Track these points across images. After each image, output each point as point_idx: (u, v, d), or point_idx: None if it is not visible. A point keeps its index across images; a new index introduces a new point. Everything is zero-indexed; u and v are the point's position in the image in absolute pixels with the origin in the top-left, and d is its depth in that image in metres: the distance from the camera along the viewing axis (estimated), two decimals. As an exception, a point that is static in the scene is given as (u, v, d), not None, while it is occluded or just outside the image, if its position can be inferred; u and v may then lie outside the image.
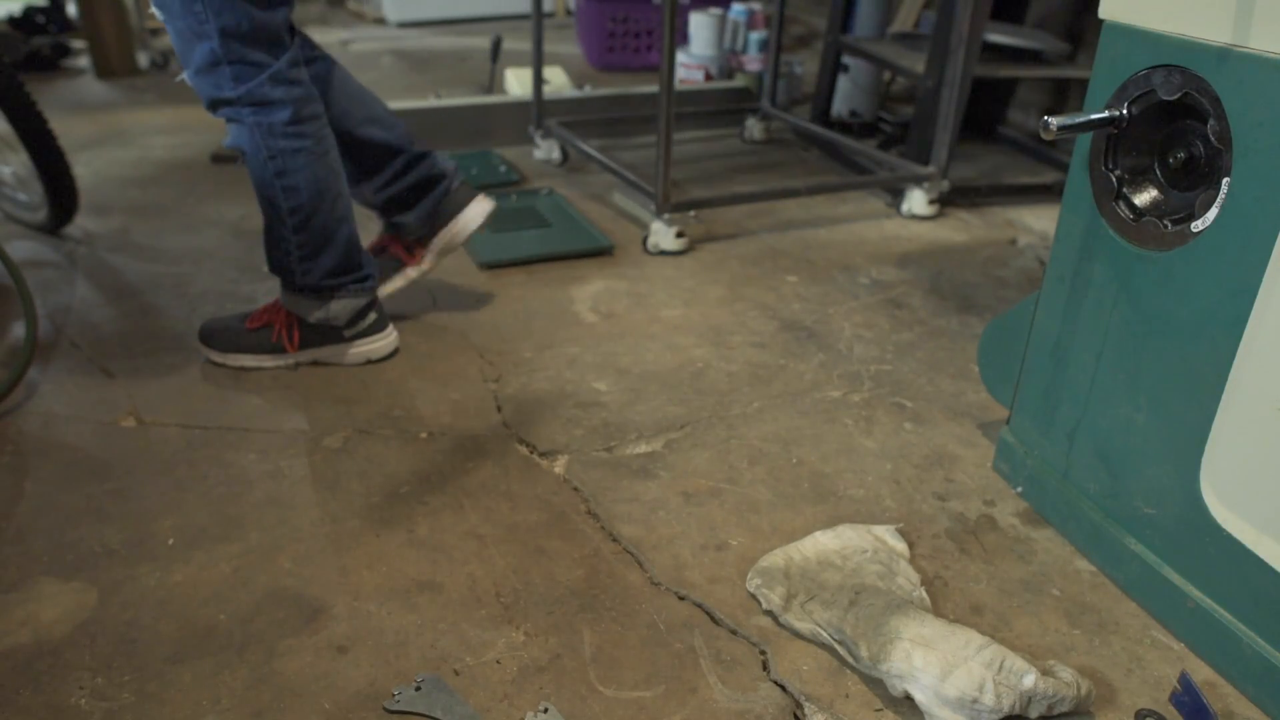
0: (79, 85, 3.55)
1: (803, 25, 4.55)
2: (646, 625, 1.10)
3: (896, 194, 2.47)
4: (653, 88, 3.07)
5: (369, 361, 1.65)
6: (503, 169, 2.62)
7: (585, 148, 2.48)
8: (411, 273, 1.77)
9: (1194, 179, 1.05)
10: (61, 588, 1.12)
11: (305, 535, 1.22)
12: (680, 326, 1.80)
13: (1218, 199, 0.99)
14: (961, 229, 2.36)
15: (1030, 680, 0.95)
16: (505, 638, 1.07)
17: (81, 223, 2.20)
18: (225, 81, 1.39)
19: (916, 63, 2.53)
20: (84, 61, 3.82)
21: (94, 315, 1.79)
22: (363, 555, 1.19)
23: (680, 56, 3.45)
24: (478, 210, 1.76)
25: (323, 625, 1.08)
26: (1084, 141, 1.16)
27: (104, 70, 3.64)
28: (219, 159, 2.68)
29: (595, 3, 3.79)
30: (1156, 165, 1.10)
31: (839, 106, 3.08)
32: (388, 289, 1.75)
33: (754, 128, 2.99)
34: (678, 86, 3.23)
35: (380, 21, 4.98)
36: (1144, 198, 1.11)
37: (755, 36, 3.42)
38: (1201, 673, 1.06)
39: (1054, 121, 1.05)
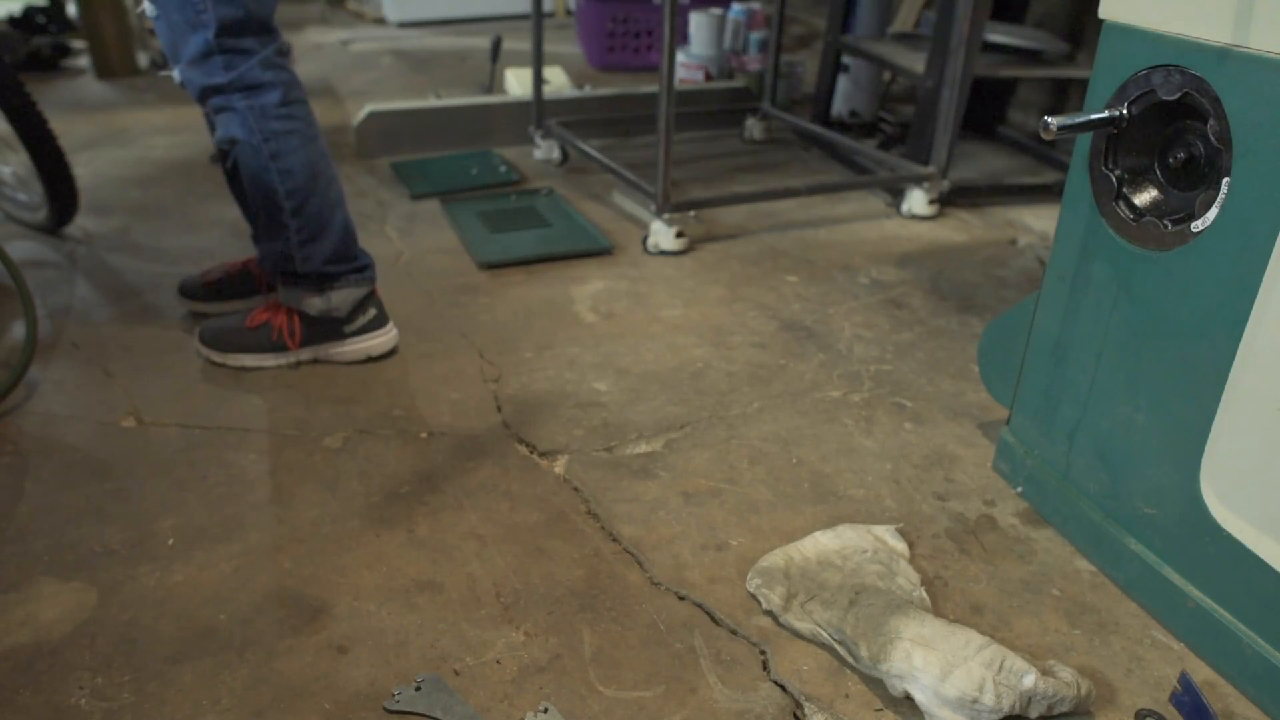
0: (79, 85, 3.55)
1: (803, 25, 4.55)
2: (646, 625, 1.10)
3: (896, 194, 2.47)
4: (653, 88, 3.07)
5: (369, 359, 1.65)
6: (503, 169, 2.62)
7: (585, 148, 2.48)
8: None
9: (1194, 179, 1.05)
10: (61, 588, 1.12)
11: (305, 535, 1.22)
12: (680, 326, 1.80)
13: (1218, 199, 0.99)
14: (961, 229, 2.36)
15: (1030, 680, 0.95)
16: (505, 638, 1.07)
17: (81, 223, 2.20)
18: (216, 70, 1.41)
19: (916, 63, 2.53)
20: (84, 61, 3.82)
21: (94, 315, 1.79)
22: (363, 555, 1.19)
23: (680, 56, 3.45)
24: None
25: (323, 625, 1.08)
26: (1084, 141, 1.16)
27: (104, 70, 3.64)
28: (219, 159, 2.68)
29: (595, 3, 3.79)
30: (1156, 165, 1.10)
31: (839, 106, 3.08)
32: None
33: (754, 128, 2.99)
34: (678, 86, 3.23)
35: (380, 21, 4.98)
36: (1144, 198, 1.11)
37: (755, 36, 3.41)
38: (1201, 673, 1.06)
39: (1054, 121, 1.05)
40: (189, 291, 1.78)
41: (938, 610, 1.13)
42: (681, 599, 1.14)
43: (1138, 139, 1.10)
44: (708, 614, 1.12)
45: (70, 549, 1.18)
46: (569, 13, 5.12)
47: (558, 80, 3.14)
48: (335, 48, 4.32)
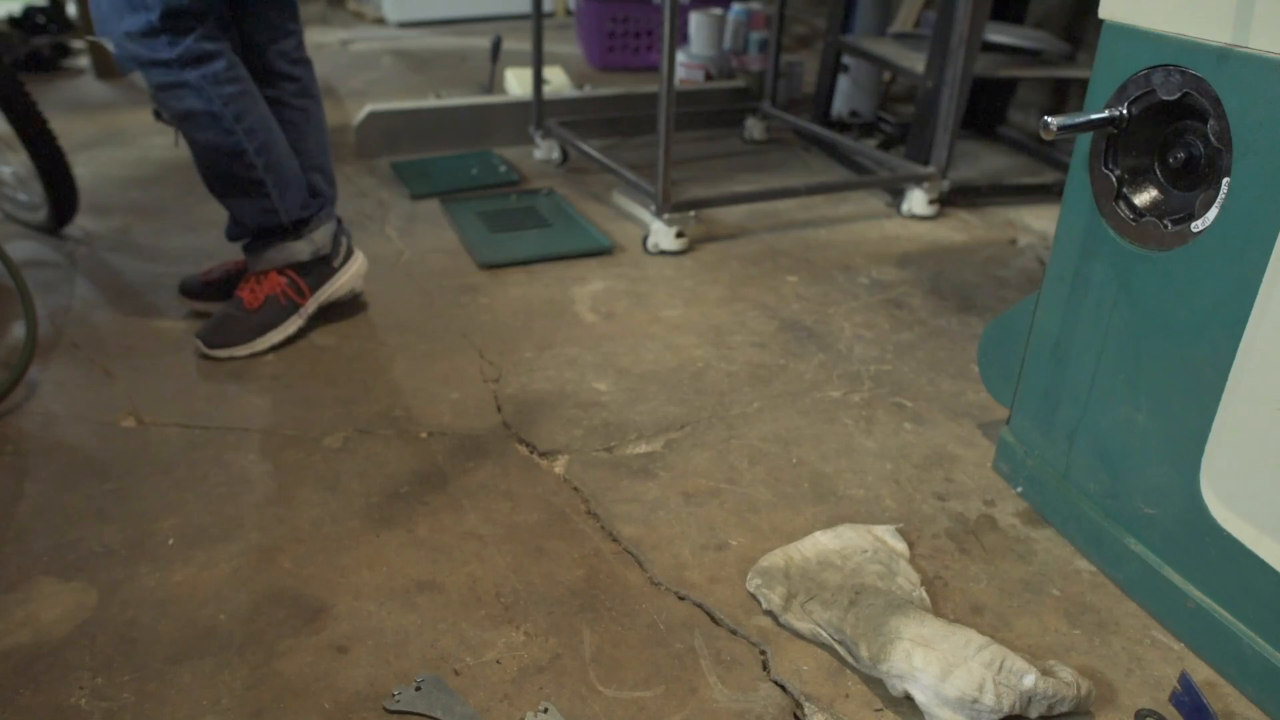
0: (79, 85, 3.55)
1: (803, 25, 4.55)
2: (646, 625, 1.10)
3: (896, 194, 2.47)
4: (653, 88, 3.07)
5: (354, 294, 1.76)
6: (503, 169, 2.62)
7: (585, 148, 2.48)
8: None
9: (1194, 179, 1.05)
10: (61, 588, 1.12)
11: (305, 535, 1.22)
12: (680, 326, 1.80)
13: (1218, 199, 0.99)
14: (961, 229, 2.36)
15: (1030, 680, 0.95)
16: (505, 638, 1.07)
17: (81, 223, 2.20)
18: (161, 46, 1.43)
19: (916, 63, 2.53)
20: (84, 61, 3.82)
21: (94, 315, 1.79)
22: (363, 555, 1.19)
23: (680, 56, 3.45)
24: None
25: (323, 625, 1.08)
26: (1084, 141, 1.16)
27: (104, 70, 3.64)
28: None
29: (595, 3, 3.79)
30: (1156, 165, 1.10)
31: (839, 106, 3.08)
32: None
33: (754, 128, 2.99)
34: (678, 86, 3.23)
35: (380, 21, 4.98)
36: (1144, 198, 1.11)
37: (755, 36, 3.42)
38: (1201, 673, 1.06)
39: (1054, 121, 1.05)
40: (190, 290, 1.79)
41: (938, 610, 1.13)
42: (681, 599, 1.14)
43: (1138, 139, 1.10)
44: (708, 614, 1.12)
45: (70, 549, 1.18)
46: (569, 13, 5.12)
47: (558, 80, 3.14)
48: (335, 48, 4.32)
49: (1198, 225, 1.02)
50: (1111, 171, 1.12)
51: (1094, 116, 1.09)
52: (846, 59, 3.00)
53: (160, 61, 1.43)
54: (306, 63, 1.68)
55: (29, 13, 4.03)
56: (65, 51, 3.86)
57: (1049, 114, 1.08)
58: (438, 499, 1.30)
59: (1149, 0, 1.04)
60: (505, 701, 0.99)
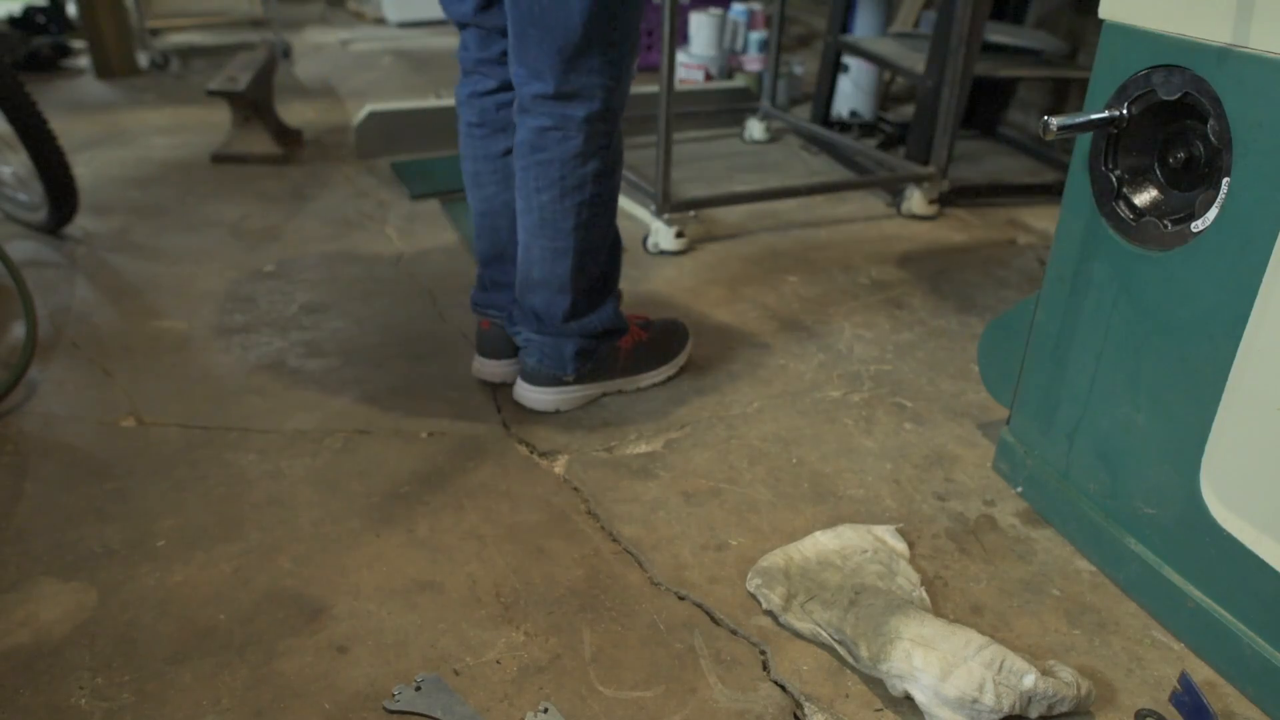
0: (79, 85, 3.55)
1: (803, 25, 4.55)
2: (646, 625, 1.10)
3: (896, 194, 2.47)
4: (653, 88, 3.07)
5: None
6: (503, 169, 2.62)
7: (585, 148, 2.47)
8: None
9: (1194, 179, 1.05)
10: (61, 588, 1.12)
11: (305, 535, 1.22)
12: (680, 326, 1.80)
13: (1218, 199, 0.99)
14: (961, 229, 2.36)
15: (1030, 680, 0.95)
16: (505, 638, 1.07)
17: (81, 223, 2.20)
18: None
19: (916, 63, 2.53)
20: (84, 61, 3.82)
21: (94, 315, 1.79)
22: (363, 555, 1.19)
23: (680, 56, 3.45)
24: None
25: (323, 625, 1.08)
26: (1084, 141, 1.16)
27: (104, 70, 3.64)
28: (219, 159, 2.68)
29: (595, 3, 3.78)
30: (1156, 165, 1.10)
31: (839, 106, 3.08)
32: None
33: (754, 128, 2.99)
34: (678, 86, 3.23)
35: (380, 21, 4.98)
36: (1144, 198, 1.11)
37: (755, 36, 3.42)
38: (1201, 673, 1.06)
39: (1054, 121, 1.05)
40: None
41: (938, 610, 1.13)
42: (681, 599, 1.14)
43: (1138, 139, 1.10)
44: (708, 614, 1.12)
45: (70, 549, 1.18)
46: (569, 13, 5.12)
47: (558, 80, 3.14)
48: (335, 48, 4.32)
49: (1198, 225, 1.02)
50: (1111, 171, 1.12)
51: (1094, 116, 1.09)
52: (846, 59, 3.00)
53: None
54: None
55: (29, 13, 4.03)
56: (65, 51, 3.86)
57: (1049, 114, 1.08)
58: (438, 499, 1.30)
59: (1149, 0, 1.04)
60: (505, 701, 0.99)
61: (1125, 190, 1.12)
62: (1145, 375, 1.11)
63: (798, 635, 1.08)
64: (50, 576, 1.14)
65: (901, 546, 1.20)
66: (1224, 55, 0.96)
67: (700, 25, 3.45)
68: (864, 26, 3.03)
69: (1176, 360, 1.06)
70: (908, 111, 3.16)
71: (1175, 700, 0.98)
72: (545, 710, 0.97)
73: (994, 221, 2.41)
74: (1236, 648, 1.02)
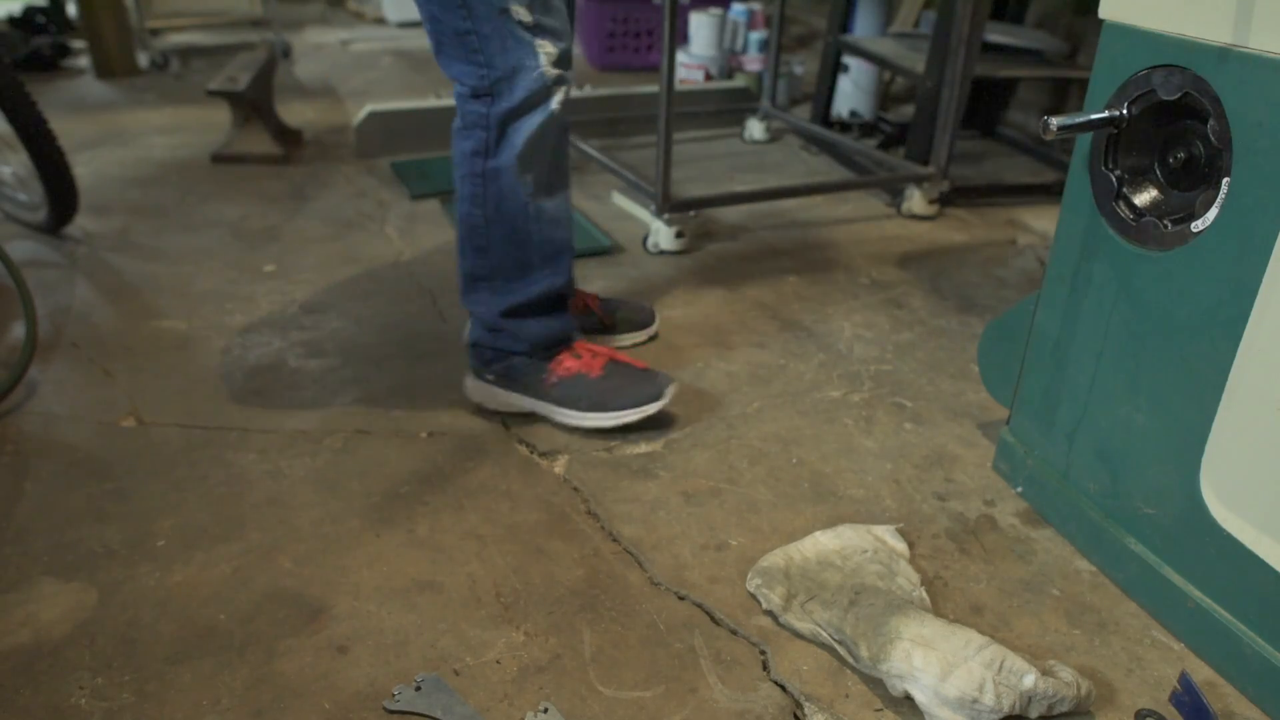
0: (79, 85, 3.55)
1: (803, 25, 4.55)
2: (646, 625, 1.10)
3: (896, 194, 2.47)
4: (653, 88, 3.07)
5: None
6: (503, 169, 2.62)
7: (585, 148, 2.48)
8: None
9: (1194, 179, 1.05)
10: (61, 588, 1.12)
11: (305, 535, 1.22)
12: (680, 326, 1.80)
13: (1218, 199, 0.99)
14: (961, 229, 2.36)
15: (1030, 680, 0.95)
16: (505, 638, 1.07)
17: (81, 223, 2.20)
18: None
19: (916, 63, 2.53)
20: (84, 61, 3.82)
21: (94, 315, 1.79)
22: (363, 555, 1.19)
23: (680, 56, 3.45)
24: None
25: (323, 625, 1.08)
26: (1084, 141, 1.16)
27: (104, 70, 3.64)
28: (219, 159, 2.68)
29: (595, 3, 3.79)
30: (1156, 165, 1.10)
31: (839, 106, 3.08)
32: None
33: (754, 128, 2.99)
34: (678, 86, 3.23)
35: (380, 21, 4.98)
36: (1144, 198, 1.11)
37: (755, 36, 3.42)
38: (1201, 673, 1.06)
39: (1054, 121, 1.05)
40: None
41: (938, 610, 1.13)
42: (681, 599, 1.14)
43: (1138, 139, 1.10)
44: (708, 614, 1.12)
45: (70, 549, 1.18)
46: (569, 13, 5.12)
47: (558, 80, 3.14)
48: (335, 48, 4.32)
49: (1198, 225, 1.02)
50: (1111, 171, 1.12)
51: (1094, 116, 1.09)
52: (846, 59, 3.00)
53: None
54: None
55: (29, 13, 4.04)
56: (65, 51, 3.86)
57: (1049, 114, 1.08)
58: (438, 499, 1.30)
59: (1149, 0, 1.04)
60: (505, 701, 0.99)
61: (1125, 190, 1.12)
62: (1145, 375, 1.11)
63: (798, 635, 1.08)
64: (50, 576, 1.14)
65: (901, 546, 1.20)
66: (1224, 55, 0.96)
67: (700, 25, 3.45)
68: (864, 26, 3.03)
69: (1176, 360, 1.06)
70: (908, 111, 3.17)
71: (1175, 700, 0.98)
72: (545, 710, 0.97)
73: (994, 221, 2.41)
74: (1236, 648, 1.02)
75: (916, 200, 2.40)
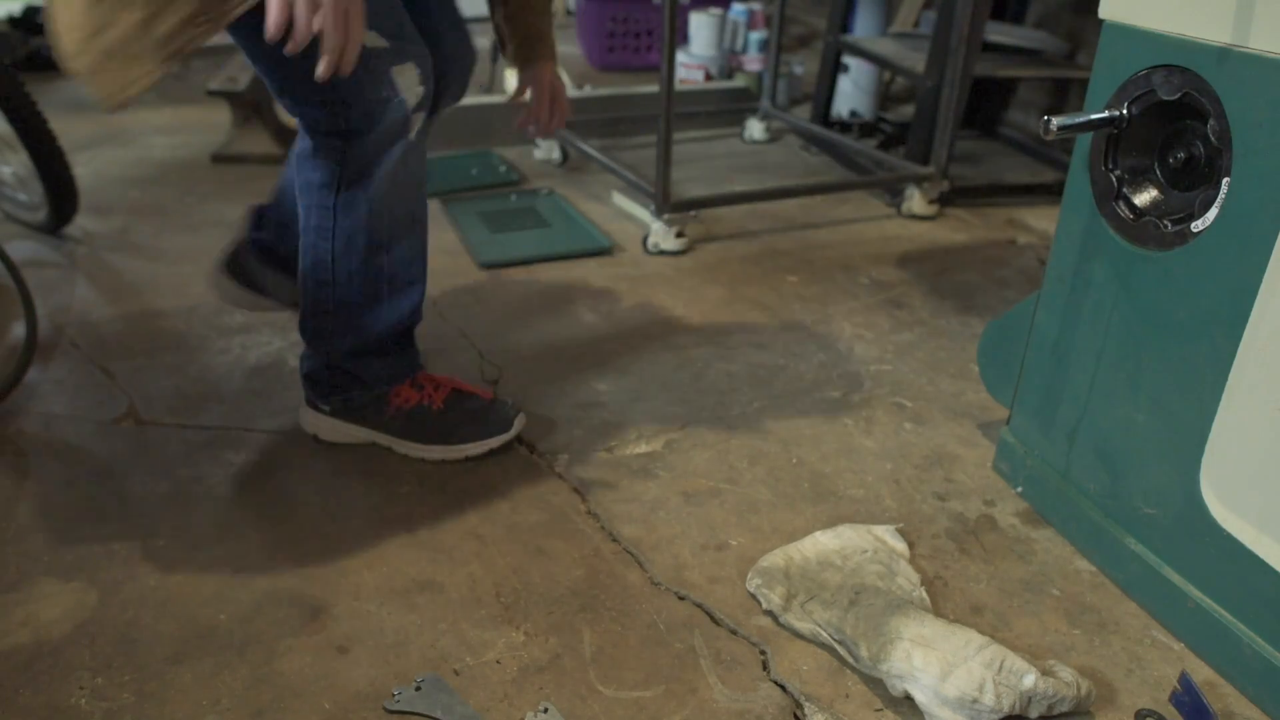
0: (79, 85, 3.54)
1: (803, 25, 4.55)
2: (646, 625, 1.10)
3: (896, 194, 2.47)
4: (653, 88, 3.07)
5: None
6: (503, 169, 2.62)
7: (585, 148, 2.48)
8: None
9: (1194, 179, 1.05)
10: (61, 588, 1.12)
11: (305, 535, 1.22)
12: (680, 326, 1.80)
13: (1218, 199, 0.99)
14: (961, 229, 2.36)
15: (1030, 680, 0.95)
16: (505, 638, 1.07)
17: (81, 223, 2.19)
18: None
19: (916, 63, 2.53)
20: (84, 61, 3.81)
21: (94, 315, 1.79)
22: (363, 555, 1.19)
23: (680, 56, 3.45)
24: None
25: (323, 625, 1.08)
26: (1084, 141, 1.16)
27: (104, 70, 3.63)
28: (219, 159, 2.68)
29: (595, 3, 3.79)
30: (1156, 165, 1.10)
31: (839, 106, 3.08)
32: None
33: (754, 128, 2.99)
34: (678, 86, 3.23)
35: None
36: (1144, 198, 1.11)
37: (755, 36, 3.42)
38: (1201, 673, 1.06)
39: (1054, 121, 1.05)
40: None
41: (938, 610, 1.13)
42: (681, 599, 1.14)
43: (1138, 139, 1.10)
44: (708, 614, 1.12)
45: (70, 549, 1.18)
46: (569, 13, 5.12)
47: (558, 80, 3.14)
48: (335, 48, 4.31)
49: (1198, 225, 1.02)
50: (1111, 171, 1.12)
51: (1094, 116, 1.09)
52: (846, 59, 3.00)
53: None
54: None
55: (29, 13, 4.03)
56: (65, 51, 3.85)
57: (1049, 114, 1.08)
58: (438, 499, 1.30)
59: (1149, 0, 1.04)
60: (505, 701, 0.99)
61: (1125, 190, 1.12)
62: (1145, 375, 1.11)
63: (798, 635, 1.08)
64: (50, 576, 1.14)
65: (901, 546, 1.20)
66: (1224, 55, 0.96)
67: (700, 25, 3.45)
68: (864, 26, 3.03)
69: (1176, 360, 1.06)
70: (908, 111, 3.17)
71: (1175, 700, 0.98)
72: (545, 710, 0.97)
73: (994, 221, 2.41)
74: (1236, 648, 1.02)
75: (916, 200, 2.40)
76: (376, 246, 1.26)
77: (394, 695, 0.98)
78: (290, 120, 2.78)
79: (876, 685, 1.02)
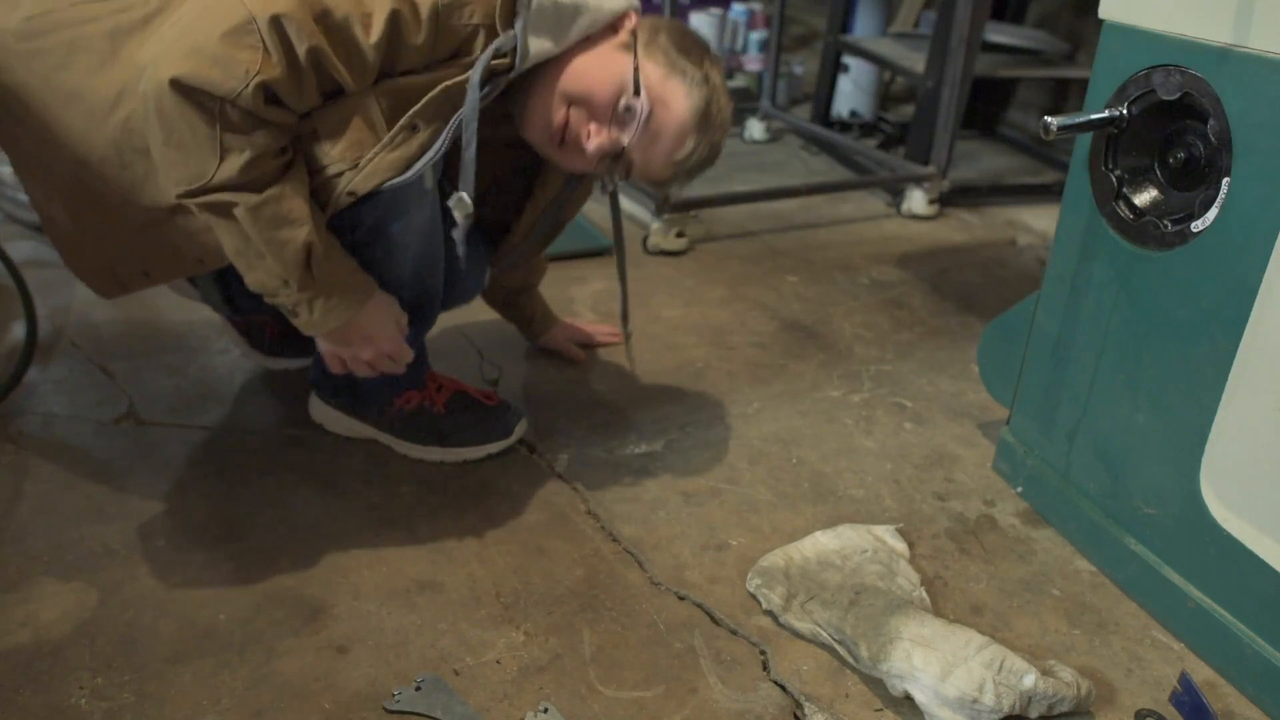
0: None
1: (803, 25, 4.55)
2: (646, 625, 1.10)
3: (896, 194, 2.47)
4: (653, 88, 3.06)
5: None
6: (503, 169, 2.62)
7: (585, 148, 2.47)
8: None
9: (1194, 179, 1.05)
10: (61, 588, 1.12)
11: (305, 535, 1.22)
12: (680, 326, 1.80)
13: (1218, 199, 0.99)
14: (961, 229, 2.36)
15: (1030, 680, 0.95)
16: (505, 638, 1.07)
17: (81, 223, 2.19)
18: None
19: (916, 63, 2.53)
20: (84, 61, 3.81)
21: (94, 315, 1.79)
22: (363, 555, 1.19)
23: (680, 56, 3.44)
24: None
25: (323, 625, 1.08)
26: (1084, 141, 1.16)
27: (104, 70, 3.63)
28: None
29: (595, 3, 3.78)
30: (1156, 165, 1.10)
31: (839, 106, 3.08)
32: None
33: (754, 128, 2.99)
34: (678, 86, 3.23)
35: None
36: (1144, 198, 1.11)
37: (755, 36, 3.41)
38: (1201, 673, 1.06)
39: (1054, 121, 1.05)
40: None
41: (938, 610, 1.13)
42: (681, 599, 1.14)
43: (1138, 139, 1.10)
44: (708, 614, 1.12)
45: (70, 549, 1.18)
46: (569, 13, 5.12)
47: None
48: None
49: (1198, 225, 1.02)
50: (1111, 171, 1.12)
51: (1094, 116, 1.09)
52: (846, 59, 3.00)
53: None
54: None
55: (29, 13, 4.02)
56: (65, 51, 3.85)
57: (1049, 114, 1.08)
58: (438, 499, 1.30)
59: (1149, 0, 1.04)
60: (505, 701, 0.99)
61: (1125, 190, 1.12)
62: (1145, 375, 1.11)
63: (798, 635, 1.08)
64: (50, 576, 1.14)
65: (901, 546, 1.20)
66: (1224, 55, 0.96)
67: (700, 25, 3.45)
68: (864, 26, 3.03)
69: (1176, 360, 1.06)
70: (908, 111, 3.17)
71: (1175, 700, 0.98)
72: (545, 710, 0.97)
73: (994, 221, 2.41)
74: (1236, 648, 1.02)
75: (916, 200, 2.40)
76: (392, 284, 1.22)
77: (394, 695, 0.98)
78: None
79: (876, 685, 1.02)
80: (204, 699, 0.98)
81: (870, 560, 1.16)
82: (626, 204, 2.37)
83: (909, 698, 0.97)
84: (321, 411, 1.42)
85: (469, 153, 1.06)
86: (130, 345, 1.68)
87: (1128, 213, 1.11)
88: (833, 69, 2.95)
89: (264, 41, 0.95)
